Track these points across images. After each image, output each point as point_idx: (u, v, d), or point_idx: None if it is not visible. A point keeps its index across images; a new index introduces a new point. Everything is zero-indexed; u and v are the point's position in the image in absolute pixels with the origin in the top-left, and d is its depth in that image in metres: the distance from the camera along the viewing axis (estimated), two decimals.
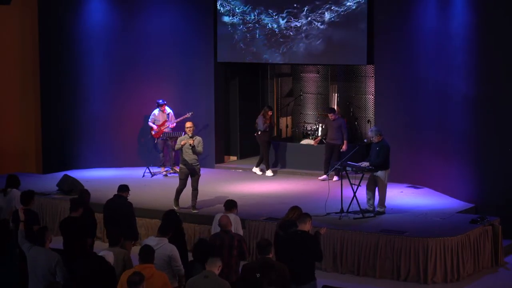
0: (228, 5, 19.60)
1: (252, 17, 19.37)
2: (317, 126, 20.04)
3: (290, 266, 10.21)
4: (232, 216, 12.04)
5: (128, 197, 13.37)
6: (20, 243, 10.72)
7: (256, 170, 19.20)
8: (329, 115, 18.28)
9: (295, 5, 18.78)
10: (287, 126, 20.79)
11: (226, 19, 19.65)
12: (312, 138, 19.72)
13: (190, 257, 11.42)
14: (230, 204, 12.26)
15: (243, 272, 10.15)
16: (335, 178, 17.67)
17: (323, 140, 18.63)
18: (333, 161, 17.92)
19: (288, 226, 11.25)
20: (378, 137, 14.88)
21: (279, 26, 19.05)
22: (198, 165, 15.43)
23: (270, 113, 19.04)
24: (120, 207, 13.12)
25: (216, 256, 9.77)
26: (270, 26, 19.16)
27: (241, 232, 12.24)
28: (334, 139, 18.11)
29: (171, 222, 11.65)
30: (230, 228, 11.31)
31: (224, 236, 11.15)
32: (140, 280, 8.95)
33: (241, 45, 19.55)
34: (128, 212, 13.20)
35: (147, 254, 9.79)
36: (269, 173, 19.07)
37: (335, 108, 19.62)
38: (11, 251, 10.97)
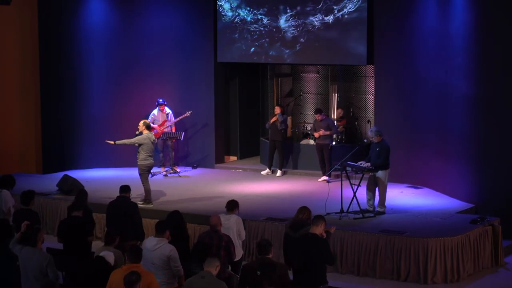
0: (228, 5, 19.58)
1: (252, 17, 19.36)
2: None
3: (301, 269, 10.16)
4: (234, 217, 12.01)
5: (130, 197, 13.37)
6: (10, 247, 10.64)
7: (278, 172, 19.09)
8: (316, 116, 18.25)
9: (295, 5, 18.77)
10: (287, 126, 20.76)
11: (226, 19, 19.65)
12: (311, 138, 19.73)
13: None
14: (232, 205, 12.20)
15: (243, 272, 10.15)
16: (326, 178, 17.70)
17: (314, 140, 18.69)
18: (326, 161, 17.97)
19: (299, 227, 11.17)
20: (378, 138, 14.86)
21: (279, 26, 19.04)
22: (137, 161, 15.60)
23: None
24: (125, 208, 13.05)
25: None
26: (270, 26, 19.15)
27: (243, 232, 12.17)
28: (322, 139, 18.08)
29: (169, 221, 11.62)
30: (219, 228, 11.31)
31: (214, 236, 11.17)
32: (137, 279, 8.94)
33: (241, 45, 19.55)
34: (133, 213, 13.15)
35: (136, 254, 9.73)
36: (264, 172, 19.14)
37: (340, 110, 19.67)
38: (11, 251, 10.94)
